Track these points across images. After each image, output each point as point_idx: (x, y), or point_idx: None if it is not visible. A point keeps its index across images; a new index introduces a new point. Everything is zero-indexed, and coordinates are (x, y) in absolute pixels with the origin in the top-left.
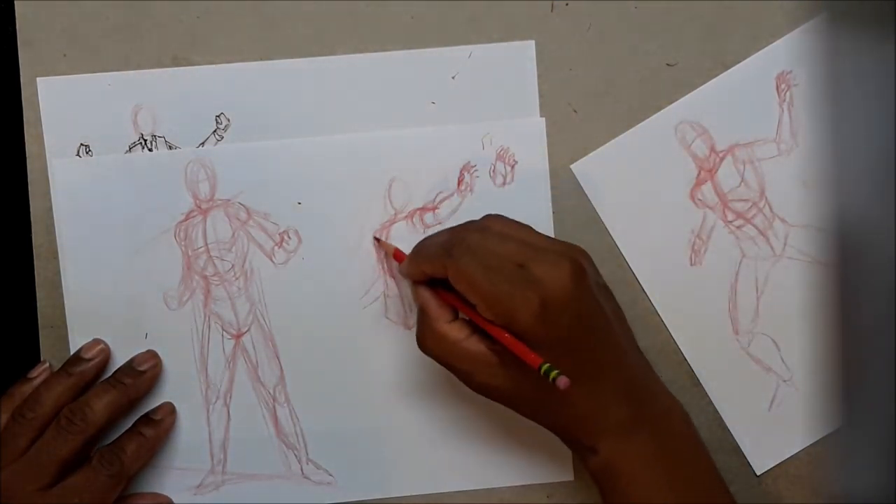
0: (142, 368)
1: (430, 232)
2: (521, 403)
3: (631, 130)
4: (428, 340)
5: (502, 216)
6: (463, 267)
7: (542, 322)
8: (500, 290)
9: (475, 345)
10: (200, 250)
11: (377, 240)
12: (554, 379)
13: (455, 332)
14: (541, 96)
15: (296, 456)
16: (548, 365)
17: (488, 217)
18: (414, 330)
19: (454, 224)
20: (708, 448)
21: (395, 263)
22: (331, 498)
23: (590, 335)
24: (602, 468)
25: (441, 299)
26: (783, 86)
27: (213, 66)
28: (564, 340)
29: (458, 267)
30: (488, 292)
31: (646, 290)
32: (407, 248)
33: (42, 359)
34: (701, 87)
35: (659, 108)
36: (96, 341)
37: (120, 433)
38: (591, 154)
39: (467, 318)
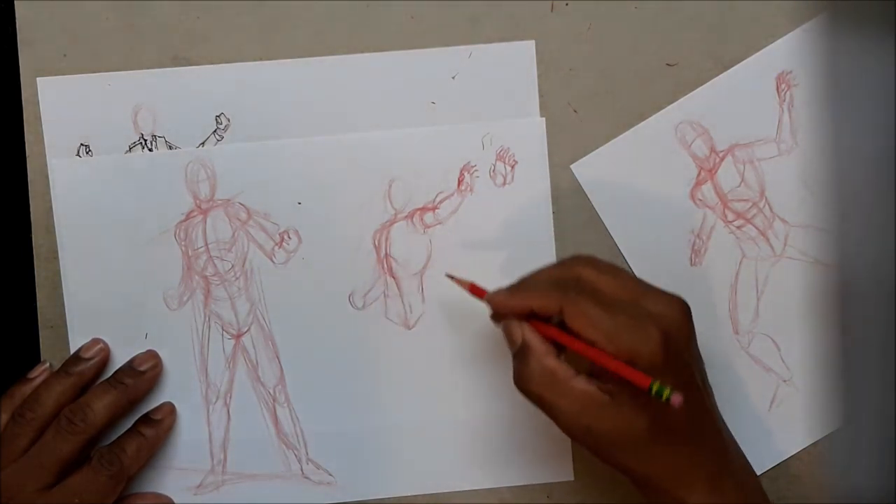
0: (142, 368)
1: (431, 232)
2: (620, 449)
3: (631, 130)
4: (534, 377)
5: (593, 257)
6: (582, 304)
7: (666, 353)
8: (623, 324)
9: (584, 384)
10: (200, 250)
11: (451, 276)
12: (667, 399)
13: (564, 369)
14: (541, 96)
15: (296, 456)
16: (658, 383)
17: (580, 256)
18: (415, 329)
19: (454, 224)
20: None
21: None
22: (331, 498)
23: (698, 373)
24: None
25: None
26: (783, 86)
27: (213, 66)
28: (682, 374)
29: (578, 304)
30: (610, 327)
31: None
32: (407, 247)
33: (42, 359)
34: (701, 87)
35: (659, 108)
36: (96, 341)
37: (120, 433)
38: (591, 154)
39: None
